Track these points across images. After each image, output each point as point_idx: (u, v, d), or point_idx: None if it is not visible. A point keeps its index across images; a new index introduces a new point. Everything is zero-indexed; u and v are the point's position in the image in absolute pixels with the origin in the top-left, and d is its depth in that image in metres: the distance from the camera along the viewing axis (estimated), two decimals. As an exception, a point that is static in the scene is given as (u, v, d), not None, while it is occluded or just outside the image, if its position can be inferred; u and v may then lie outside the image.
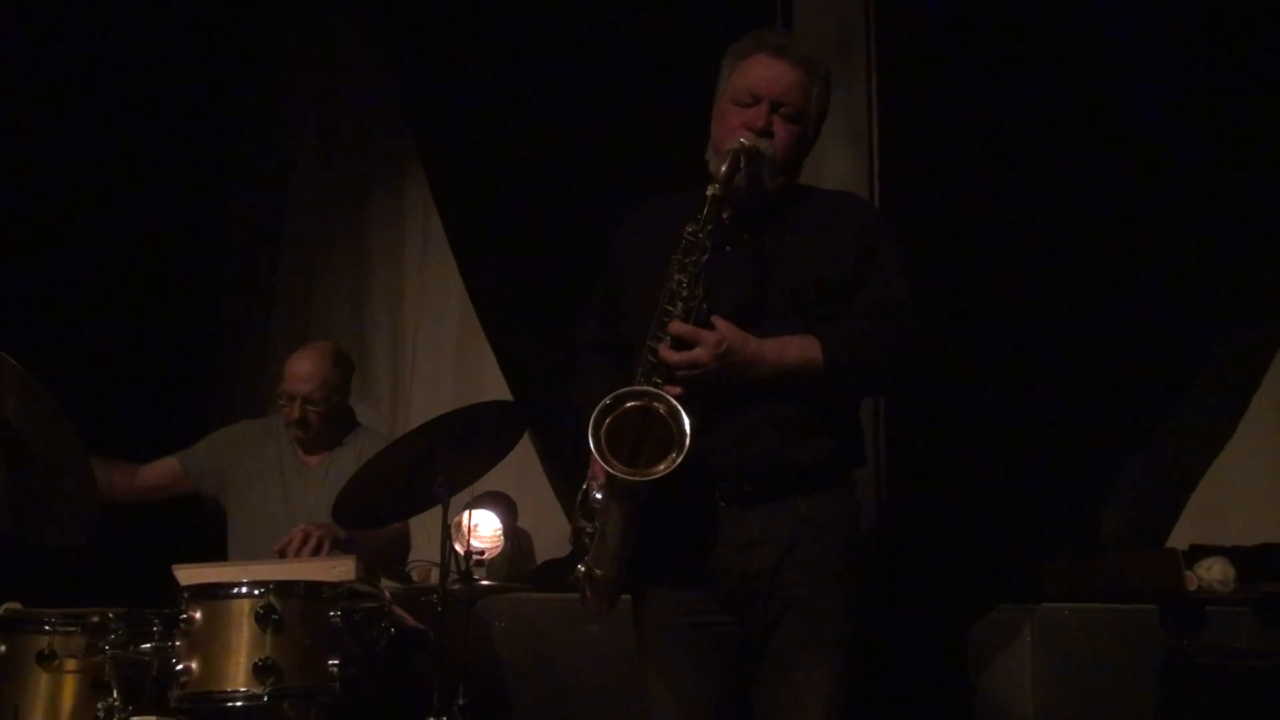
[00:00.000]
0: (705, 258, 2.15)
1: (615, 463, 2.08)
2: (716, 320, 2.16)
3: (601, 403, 2.11)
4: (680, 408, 2.09)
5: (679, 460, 2.06)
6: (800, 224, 2.32)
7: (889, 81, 3.66)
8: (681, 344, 2.14)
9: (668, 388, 2.13)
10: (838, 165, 3.57)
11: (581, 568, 2.25)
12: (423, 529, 3.63)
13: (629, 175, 3.75)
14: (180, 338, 4.49)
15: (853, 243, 2.31)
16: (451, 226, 4.25)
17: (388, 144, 4.71)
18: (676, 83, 3.65)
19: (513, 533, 4.00)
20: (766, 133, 2.25)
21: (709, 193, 2.16)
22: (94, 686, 2.62)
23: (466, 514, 3.51)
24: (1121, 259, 3.41)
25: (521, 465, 4.10)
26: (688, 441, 2.06)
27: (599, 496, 2.19)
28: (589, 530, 2.23)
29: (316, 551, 3.12)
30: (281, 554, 3.14)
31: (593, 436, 2.08)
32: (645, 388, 2.14)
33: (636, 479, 2.09)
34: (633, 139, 3.84)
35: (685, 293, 2.15)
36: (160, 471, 3.54)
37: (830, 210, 2.39)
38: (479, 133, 4.14)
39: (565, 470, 3.95)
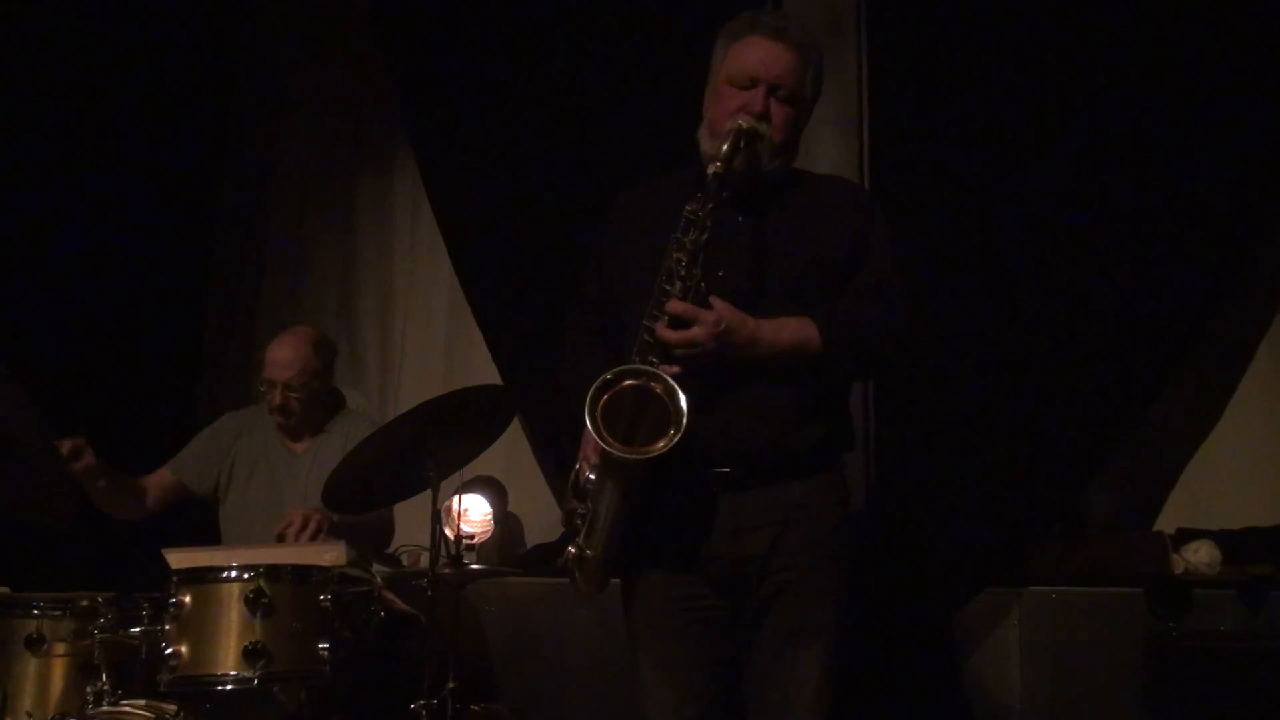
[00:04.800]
0: (705, 236, 2.13)
1: (611, 440, 2.06)
2: (714, 300, 2.15)
3: (599, 380, 2.08)
4: (677, 387, 2.07)
5: (676, 438, 2.04)
6: (796, 208, 2.31)
7: (880, 65, 3.66)
8: (679, 323, 2.12)
9: (665, 367, 2.11)
10: (828, 148, 3.56)
11: (572, 549, 2.23)
12: (413, 513, 3.63)
13: (619, 159, 3.74)
14: (168, 325, 4.48)
15: (847, 227, 2.31)
16: (441, 211, 4.24)
17: (377, 129, 4.70)
18: (667, 66, 3.63)
19: (502, 517, 4.00)
20: (765, 115, 2.24)
21: (710, 170, 2.14)
22: (83, 670, 2.62)
23: (456, 498, 3.52)
24: (1110, 245, 3.41)
25: (511, 450, 4.11)
26: (685, 420, 2.04)
27: (592, 477, 2.16)
28: (581, 511, 2.21)
29: (315, 536, 3.10)
30: (280, 538, 3.13)
31: (589, 414, 2.05)
32: (643, 366, 2.11)
33: (633, 457, 2.06)
34: (623, 122, 3.82)
35: (684, 271, 2.13)
36: (160, 485, 3.50)
37: (825, 194, 2.39)
38: (468, 118, 4.12)
39: (555, 454, 3.95)
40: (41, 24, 4.00)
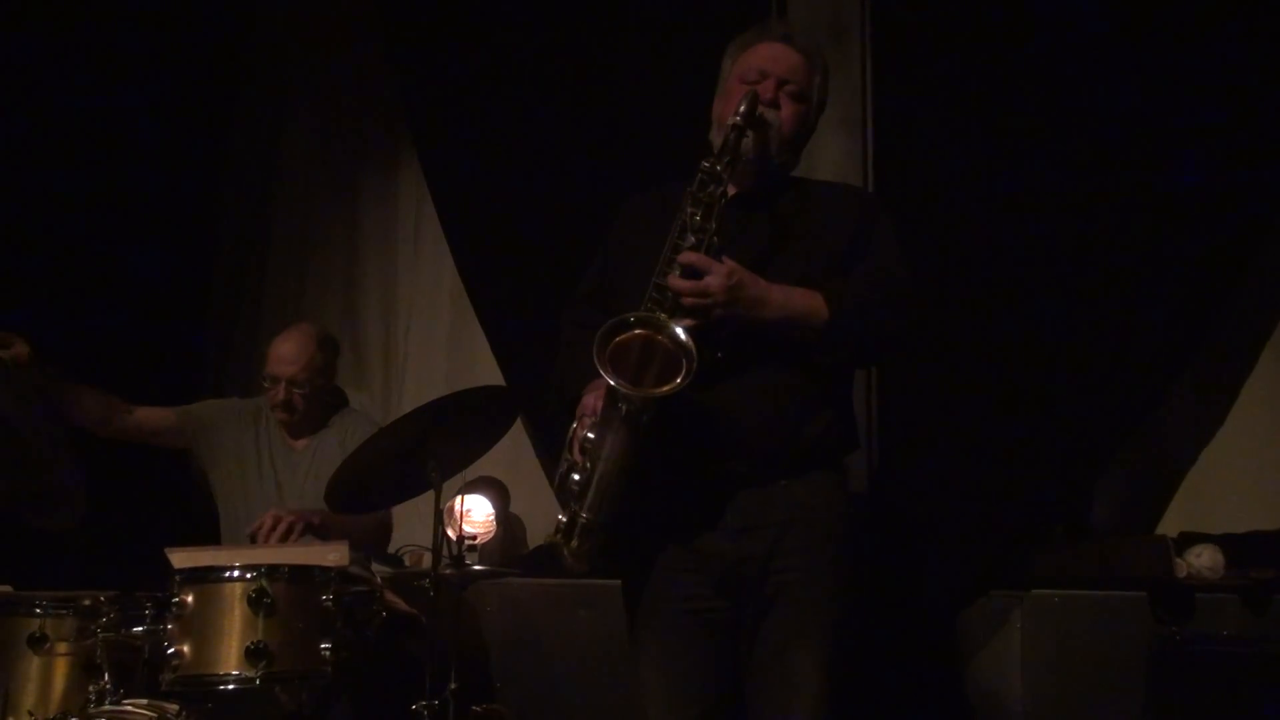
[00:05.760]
0: (721, 190, 2.13)
1: (620, 380, 2.01)
2: (726, 258, 2.14)
3: (611, 321, 2.05)
4: (686, 334, 2.04)
5: (687, 380, 2.00)
6: (800, 207, 2.33)
7: (883, 68, 3.66)
8: (692, 274, 2.10)
9: (675, 319, 2.08)
10: (832, 151, 3.57)
11: (563, 516, 2.14)
12: (415, 514, 3.63)
13: (622, 161, 3.75)
14: (172, 322, 4.48)
15: (851, 225, 2.33)
16: (444, 210, 4.24)
17: (381, 127, 4.71)
18: (672, 69, 3.65)
19: (504, 518, 4.00)
20: (775, 104, 2.28)
21: (730, 122, 2.15)
22: (85, 669, 2.63)
23: (459, 499, 3.52)
24: (1114, 246, 3.41)
25: (514, 450, 4.10)
26: (694, 364, 2.00)
27: (591, 436, 2.11)
28: (576, 476, 2.13)
29: (285, 537, 3.10)
30: (252, 539, 3.13)
31: (597, 353, 2.01)
32: (654, 316, 2.08)
33: (642, 394, 2.02)
34: (627, 126, 3.83)
35: (698, 224, 2.11)
36: (155, 416, 3.50)
37: (830, 196, 2.42)
38: (472, 117, 4.13)
39: (558, 455, 3.94)
40: (46, 25, 4.01)
